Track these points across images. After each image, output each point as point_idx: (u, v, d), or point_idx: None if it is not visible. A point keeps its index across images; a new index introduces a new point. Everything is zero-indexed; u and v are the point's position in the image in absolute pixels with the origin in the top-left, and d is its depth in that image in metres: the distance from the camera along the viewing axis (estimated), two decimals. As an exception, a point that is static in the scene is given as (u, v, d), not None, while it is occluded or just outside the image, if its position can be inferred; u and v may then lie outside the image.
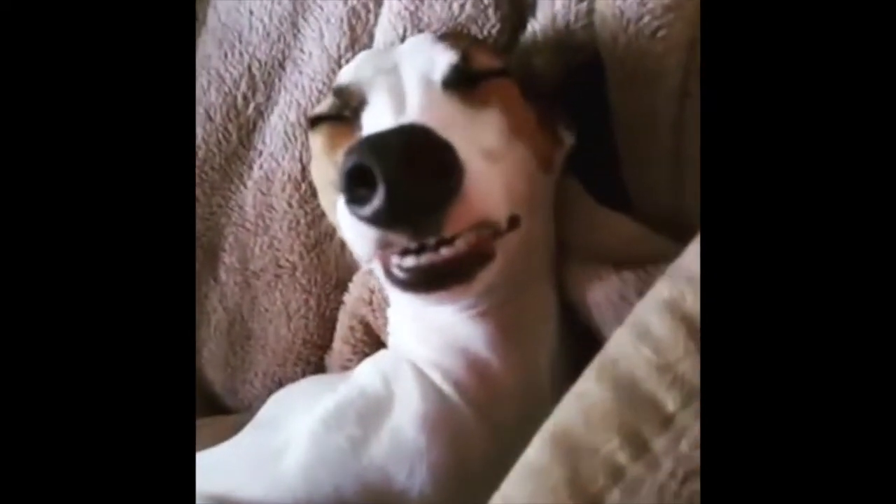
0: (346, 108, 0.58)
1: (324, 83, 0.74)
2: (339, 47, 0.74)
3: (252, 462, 0.58)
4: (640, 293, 0.50)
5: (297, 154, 0.76)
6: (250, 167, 0.79)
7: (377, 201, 0.43)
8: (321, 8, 0.76)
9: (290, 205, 0.76)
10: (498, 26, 0.65)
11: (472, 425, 0.56)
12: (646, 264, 0.55)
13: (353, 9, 0.74)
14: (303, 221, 0.76)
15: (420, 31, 0.67)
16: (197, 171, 0.79)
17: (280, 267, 0.77)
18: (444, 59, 0.56)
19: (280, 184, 0.76)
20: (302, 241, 0.76)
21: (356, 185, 0.44)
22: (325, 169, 0.59)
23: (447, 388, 0.57)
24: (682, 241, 0.43)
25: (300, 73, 0.77)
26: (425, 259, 0.47)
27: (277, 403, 0.68)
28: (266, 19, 0.78)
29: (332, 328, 0.75)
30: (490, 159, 0.50)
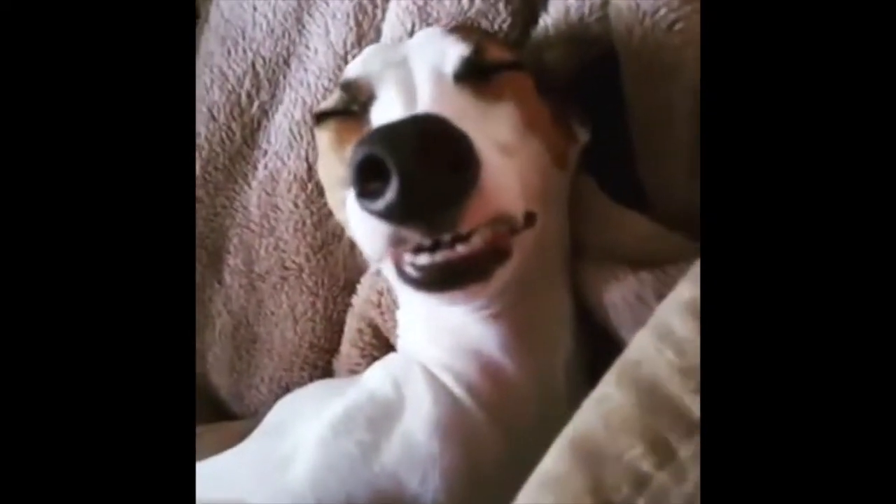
0: (354, 102, 0.56)
1: (330, 80, 0.74)
2: (345, 43, 0.73)
3: (258, 469, 0.57)
4: (658, 294, 0.51)
5: (302, 153, 0.75)
6: (255, 167, 0.78)
7: (390, 195, 0.42)
8: (326, 3, 0.75)
9: (295, 205, 0.75)
10: (509, 20, 0.64)
11: (485, 430, 0.55)
12: (663, 264, 0.54)
13: (360, 4, 0.73)
14: (309, 222, 0.75)
15: (429, 25, 0.66)
16: (200, 171, 0.79)
17: (286, 269, 0.76)
18: (455, 51, 0.54)
19: (286, 184, 0.75)
20: (308, 243, 0.75)
21: (367, 178, 0.42)
22: (333, 166, 0.58)
23: (459, 392, 0.56)
24: (701, 240, 0.42)
25: (305, 70, 0.76)
26: (440, 256, 0.46)
27: (284, 409, 0.67)
28: (270, 15, 0.78)
29: (340, 331, 0.74)
30: (505, 154, 0.49)
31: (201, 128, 0.78)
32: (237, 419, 0.80)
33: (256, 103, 0.78)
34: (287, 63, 0.77)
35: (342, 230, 0.70)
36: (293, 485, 0.53)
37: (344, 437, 0.54)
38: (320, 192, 0.72)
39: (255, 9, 0.78)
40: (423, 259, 0.46)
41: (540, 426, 0.44)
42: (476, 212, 0.44)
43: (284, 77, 0.77)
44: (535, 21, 0.64)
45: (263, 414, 0.68)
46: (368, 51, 0.60)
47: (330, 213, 0.72)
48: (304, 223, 0.75)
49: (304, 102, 0.75)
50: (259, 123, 0.78)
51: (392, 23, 0.69)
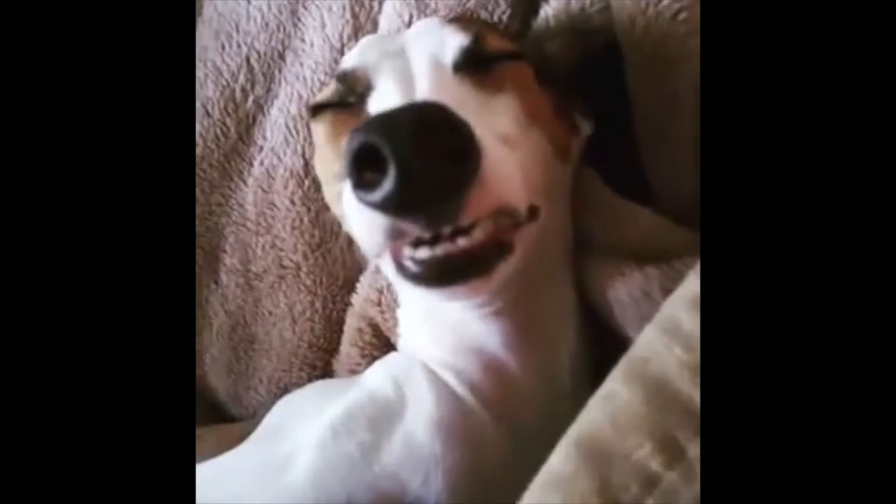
0: (351, 94, 0.55)
1: (326, 73, 0.73)
2: (341, 36, 0.73)
3: (258, 471, 0.56)
4: (665, 290, 0.51)
5: (299, 148, 0.74)
6: (250, 163, 0.77)
7: (388, 185, 0.40)
8: (322, -5, 0.75)
9: (292, 202, 0.74)
10: (508, 11, 0.63)
11: (488, 429, 0.54)
12: (669, 259, 0.53)
13: None
14: (306, 219, 0.74)
15: (427, 17, 0.65)
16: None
17: (283, 267, 0.75)
18: (454, 41, 0.53)
19: (282, 180, 0.75)
20: (306, 240, 0.74)
21: (364, 169, 0.41)
22: (330, 160, 0.57)
23: (462, 391, 0.55)
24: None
25: (301, 63, 0.75)
26: (441, 250, 0.44)
27: (283, 410, 0.66)
28: (265, 8, 0.77)
29: (339, 331, 0.74)
30: (507, 145, 0.48)
31: (195, 124, 0.77)
32: (236, 421, 0.79)
33: (251, 98, 0.77)
34: (282, 57, 0.76)
35: (340, 227, 0.69)
36: (293, 486, 0.53)
37: (344, 438, 0.54)
38: (317, 188, 0.71)
39: (248, 2, 0.78)
40: (423, 253, 0.45)
41: (544, 425, 0.43)
42: (477, 203, 0.43)
43: (280, 71, 0.76)
44: (535, 12, 0.63)
45: (262, 415, 0.67)
46: (365, 41, 0.59)
47: (327, 211, 0.70)
48: (301, 220, 0.74)
49: (300, 97, 0.74)
50: (254, 119, 0.77)
51: (389, 15, 0.68)
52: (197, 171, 0.78)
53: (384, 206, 0.42)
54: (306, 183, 0.73)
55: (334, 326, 0.74)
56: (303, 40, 0.75)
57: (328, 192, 0.62)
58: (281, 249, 0.75)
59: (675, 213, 0.57)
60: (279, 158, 0.75)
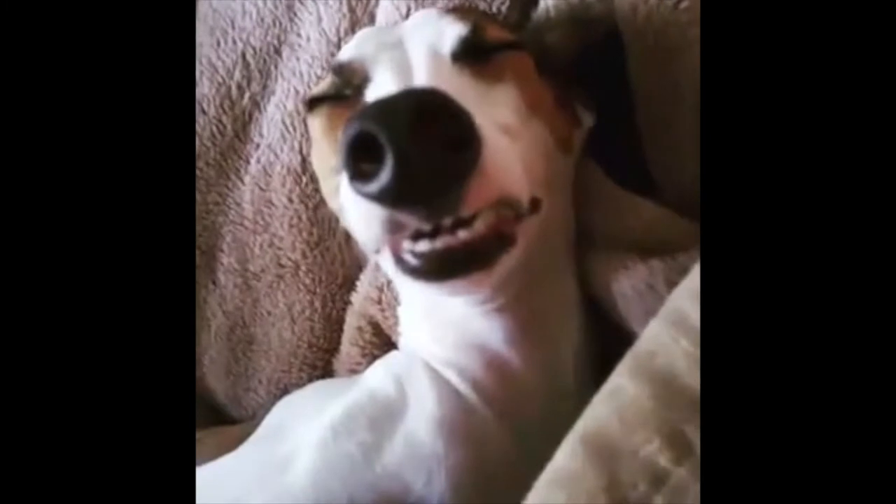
0: (348, 86, 0.54)
1: (323, 68, 0.72)
2: (338, 30, 0.72)
3: (258, 472, 0.56)
4: (670, 282, 0.50)
5: (296, 145, 0.74)
6: (247, 161, 0.77)
7: (385, 175, 0.39)
8: (318, -10, 0.75)
9: (290, 200, 0.74)
10: (507, 2, 0.63)
11: (491, 427, 0.54)
12: (674, 251, 0.53)
13: None
14: (304, 217, 0.73)
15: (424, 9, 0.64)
16: (191, 168, 0.78)
17: (282, 266, 0.75)
18: (452, 31, 0.52)
19: (279, 178, 0.74)
20: (304, 239, 0.74)
21: (361, 159, 0.40)
22: (326, 154, 0.56)
23: (464, 388, 0.55)
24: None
25: (297, 58, 0.75)
26: (441, 243, 0.43)
27: (283, 411, 0.66)
28: (260, 3, 0.77)
29: (339, 330, 0.73)
30: (507, 135, 0.47)
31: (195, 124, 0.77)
32: (235, 423, 0.79)
33: (247, 95, 0.77)
34: (278, 52, 0.76)
35: (338, 223, 0.69)
36: (293, 487, 0.53)
37: (344, 438, 0.54)
38: (315, 186, 0.71)
39: (244, -3, 0.78)
40: (423, 246, 0.44)
41: (548, 422, 0.42)
42: (478, 193, 0.42)
43: (276, 67, 0.76)
44: (534, 3, 0.63)
45: (262, 417, 0.67)
46: (362, 33, 0.58)
47: (326, 209, 0.71)
48: (299, 218, 0.73)
49: (297, 92, 0.74)
50: (251, 116, 0.77)
51: (386, 8, 0.68)
52: (193, 169, 0.77)
53: (382, 198, 0.41)
54: (304, 180, 0.73)
55: (334, 325, 0.73)
56: (299, 35, 0.75)
57: (325, 187, 0.61)
58: (279, 248, 0.75)
59: (677, 204, 0.56)
60: (276, 155, 0.75)
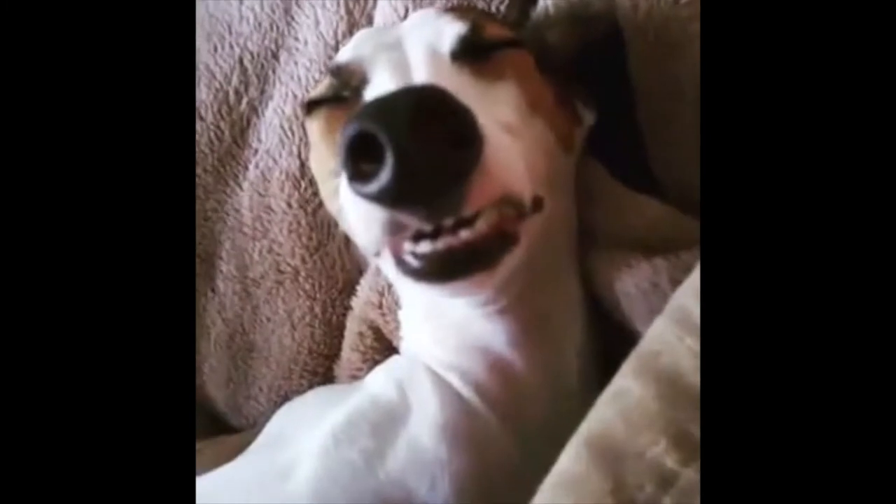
0: (346, 88, 0.54)
1: (321, 72, 0.72)
2: (336, 33, 0.72)
3: (258, 481, 0.56)
4: (674, 280, 0.50)
5: (294, 150, 0.73)
6: (245, 167, 0.76)
7: (385, 175, 0.38)
8: (315, -8, 0.74)
9: (289, 205, 0.73)
10: (506, 1, 0.63)
11: (495, 431, 0.54)
12: (678, 249, 0.52)
13: None
14: (304, 222, 0.73)
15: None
16: (189, 174, 0.77)
17: (281, 272, 0.74)
18: (451, 30, 0.52)
19: (278, 183, 0.74)
20: (304, 244, 0.73)
21: (360, 159, 0.39)
22: (325, 157, 0.56)
23: (467, 392, 0.54)
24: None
25: (295, 63, 0.74)
26: (442, 243, 0.43)
27: (284, 418, 0.65)
28: (257, 7, 0.76)
29: (340, 335, 0.73)
30: (509, 133, 0.47)
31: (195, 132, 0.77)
32: (235, 432, 0.78)
33: (245, 100, 0.76)
34: (276, 57, 0.75)
35: (338, 227, 0.68)
36: (294, 495, 0.52)
37: (346, 446, 0.53)
38: (314, 191, 0.70)
39: (241, 2, 0.77)
40: (424, 247, 0.43)
41: (552, 424, 0.42)
42: (480, 192, 0.41)
43: (274, 71, 0.75)
44: (533, 2, 0.63)
45: (263, 424, 0.66)
46: (360, 35, 0.58)
47: (325, 213, 0.70)
48: (298, 224, 0.73)
49: (295, 97, 0.73)
50: (248, 121, 0.76)
51: (384, 9, 0.67)
52: (191, 176, 0.77)
53: (382, 198, 0.40)
54: (303, 185, 0.73)
55: (334, 331, 0.73)
56: (296, 39, 0.74)
57: (324, 190, 0.61)
58: (278, 254, 0.74)
59: (680, 201, 0.56)
60: (275, 161, 0.74)
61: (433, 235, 0.43)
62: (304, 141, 0.72)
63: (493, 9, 0.63)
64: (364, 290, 0.70)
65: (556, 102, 0.55)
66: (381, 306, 0.66)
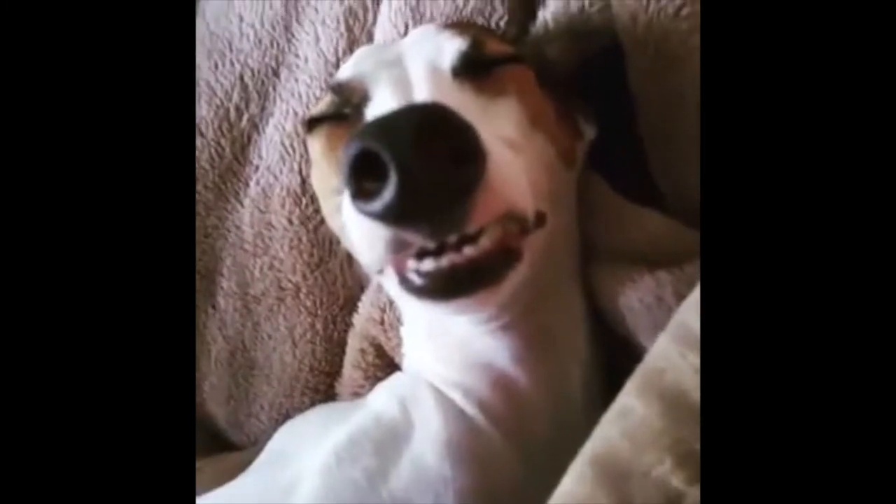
0: (347, 105, 0.54)
1: (321, 89, 0.72)
2: (336, 50, 0.72)
3: (260, 501, 0.55)
4: (678, 294, 0.50)
5: (295, 166, 0.73)
6: (246, 184, 0.76)
7: (388, 193, 0.38)
8: (316, 9, 0.74)
9: (290, 222, 0.73)
10: (506, 17, 0.63)
11: (499, 448, 0.53)
12: (680, 262, 0.52)
13: (350, 8, 0.71)
14: (305, 239, 0.73)
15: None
16: (190, 191, 0.77)
17: (282, 289, 0.74)
18: (452, 46, 0.52)
19: (279, 199, 0.73)
20: (305, 261, 0.73)
21: (363, 177, 0.39)
22: (327, 174, 0.56)
23: (470, 410, 0.54)
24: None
25: (296, 79, 0.74)
26: (446, 261, 0.43)
27: (285, 436, 0.65)
28: (257, 25, 0.76)
29: (341, 352, 0.72)
30: (511, 149, 0.47)
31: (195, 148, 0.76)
32: (236, 449, 0.77)
33: (246, 117, 0.76)
34: (276, 73, 0.75)
35: (339, 244, 0.67)
36: None
37: (348, 464, 0.53)
38: (315, 207, 0.70)
39: (241, 19, 0.77)
40: (428, 264, 0.43)
41: (556, 440, 0.42)
42: (484, 208, 0.41)
43: (274, 88, 0.75)
44: (533, 16, 0.63)
45: (264, 443, 0.65)
46: (360, 52, 0.58)
47: (326, 230, 0.70)
48: (299, 240, 0.73)
49: (296, 113, 0.73)
50: (249, 138, 0.76)
51: (384, 26, 0.67)
52: (192, 192, 0.77)
53: (385, 216, 0.40)
54: (304, 201, 0.72)
55: (336, 348, 0.72)
56: (297, 56, 0.74)
57: (326, 208, 0.61)
58: (279, 270, 0.74)
59: (683, 215, 0.55)
60: (275, 177, 0.74)
61: (437, 253, 0.43)
62: (305, 158, 0.72)
63: (493, 24, 0.63)
64: (365, 306, 0.69)
65: (557, 117, 0.55)
66: (382, 323, 0.66)
